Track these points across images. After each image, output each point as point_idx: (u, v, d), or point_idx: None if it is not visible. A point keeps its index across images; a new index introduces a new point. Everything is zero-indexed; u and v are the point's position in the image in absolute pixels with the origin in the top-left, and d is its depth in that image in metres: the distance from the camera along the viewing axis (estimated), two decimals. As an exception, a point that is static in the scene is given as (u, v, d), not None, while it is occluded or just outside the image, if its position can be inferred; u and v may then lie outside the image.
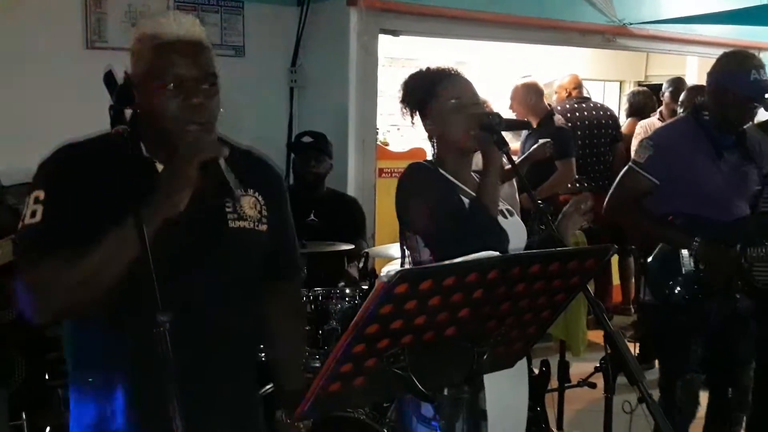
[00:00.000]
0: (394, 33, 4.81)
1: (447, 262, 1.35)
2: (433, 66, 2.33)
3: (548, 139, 4.54)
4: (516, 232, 2.28)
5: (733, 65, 2.97)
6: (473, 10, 4.95)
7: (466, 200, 2.19)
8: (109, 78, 1.48)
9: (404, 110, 2.33)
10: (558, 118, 5.24)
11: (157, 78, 1.57)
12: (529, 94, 5.13)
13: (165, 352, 1.28)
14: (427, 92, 2.27)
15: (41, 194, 1.57)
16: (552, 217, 2.83)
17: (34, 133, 3.66)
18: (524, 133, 5.25)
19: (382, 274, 1.25)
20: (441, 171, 2.27)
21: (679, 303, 2.98)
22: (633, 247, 4.10)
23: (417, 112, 2.31)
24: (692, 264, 2.97)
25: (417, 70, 2.35)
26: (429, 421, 2.10)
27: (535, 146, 4.53)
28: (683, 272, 2.97)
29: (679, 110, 5.01)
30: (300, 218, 3.75)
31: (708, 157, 2.99)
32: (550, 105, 5.44)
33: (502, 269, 1.39)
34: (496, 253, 1.39)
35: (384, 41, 4.84)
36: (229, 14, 4.64)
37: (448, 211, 2.14)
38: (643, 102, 6.19)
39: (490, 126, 2.07)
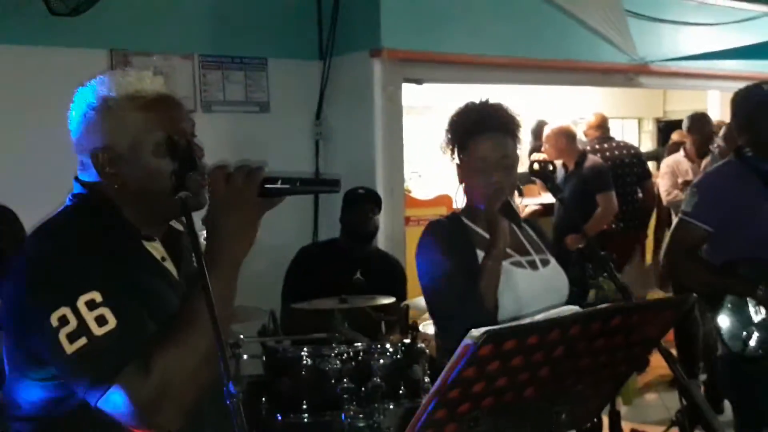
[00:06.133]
0: (418, 81, 4.81)
1: (528, 320, 1.30)
2: (479, 104, 2.25)
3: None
4: (552, 286, 2.15)
5: (759, 93, 2.92)
6: (494, 56, 4.96)
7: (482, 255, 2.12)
8: (169, 142, 1.44)
9: (446, 145, 2.27)
10: (591, 157, 5.34)
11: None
12: (560, 138, 5.24)
13: (242, 425, 1.21)
14: (464, 135, 2.21)
15: (97, 296, 1.34)
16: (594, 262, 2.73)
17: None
18: (561, 175, 5.27)
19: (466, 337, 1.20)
20: (464, 221, 2.23)
21: (754, 355, 2.77)
22: None
23: (456, 150, 2.25)
24: (764, 312, 2.82)
25: (465, 104, 2.27)
26: None
27: None
28: (755, 322, 2.81)
29: (721, 144, 4.87)
30: (346, 275, 3.69)
31: (760, 195, 2.88)
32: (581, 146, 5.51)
33: (584, 324, 1.34)
34: (577, 308, 1.33)
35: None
36: (253, 71, 4.64)
37: (451, 287, 2.08)
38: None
39: (544, 174, 2.02)
